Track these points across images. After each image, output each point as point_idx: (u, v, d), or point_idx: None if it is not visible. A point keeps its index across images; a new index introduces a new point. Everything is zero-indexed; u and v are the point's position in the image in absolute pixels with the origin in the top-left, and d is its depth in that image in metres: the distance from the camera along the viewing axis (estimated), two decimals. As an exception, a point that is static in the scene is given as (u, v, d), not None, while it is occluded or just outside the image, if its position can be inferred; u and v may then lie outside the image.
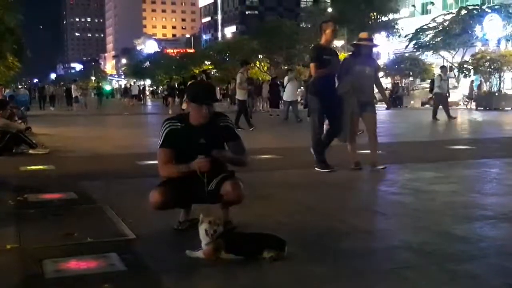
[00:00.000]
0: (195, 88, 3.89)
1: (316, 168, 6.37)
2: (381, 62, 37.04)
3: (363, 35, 6.96)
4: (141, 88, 46.19)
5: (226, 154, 3.65)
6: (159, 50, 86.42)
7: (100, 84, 40.93)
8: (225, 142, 3.68)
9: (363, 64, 6.55)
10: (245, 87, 14.11)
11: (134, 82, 46.76)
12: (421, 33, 35.41)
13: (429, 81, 23.61)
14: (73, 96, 29.68)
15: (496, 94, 25.69)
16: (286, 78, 17.88)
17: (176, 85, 28.01)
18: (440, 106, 16.53)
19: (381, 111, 13.55)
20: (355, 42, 7.03)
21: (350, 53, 6.83)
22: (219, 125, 3.65)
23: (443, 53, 35.24)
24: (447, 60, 34.94)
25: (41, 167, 7.05)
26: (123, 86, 58.36)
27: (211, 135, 3.60)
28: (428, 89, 21.65)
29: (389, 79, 36.23)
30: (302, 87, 25.30)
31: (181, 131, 3.61)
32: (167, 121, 3.68)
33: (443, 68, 18.27)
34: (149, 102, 21.38)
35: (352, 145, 6.60)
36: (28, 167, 7.02)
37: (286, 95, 17.21)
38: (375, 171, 6.37)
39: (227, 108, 26.11)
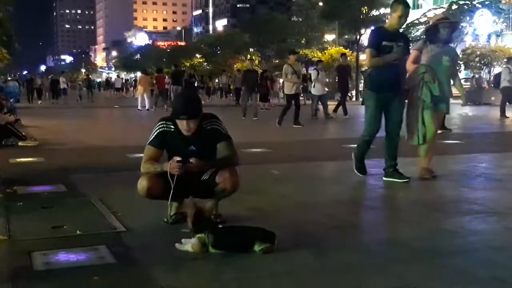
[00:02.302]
0: (174, 102, 3.72)
1: (355, 171, 5.66)
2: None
3: (438, 16, 5.97)
4: (124, 81, 47.00)
5: (210, 163, 3.58)
6: (149, 43, 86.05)
7: (90, 76, 40.70)
8: (216, 144, 3.62)
9: (440, 51, 5.54)
10: (293, 80, 12.65)
11: (118, 76, 46.89)
12: (412, 28, 35.49)
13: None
14: (61, 88, 29.40)
15: (487, 88, 25.88)
16: (313, 71, 16.09)
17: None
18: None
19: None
20: (431, 22, 5.87)
21: (423, 37, 5.71)
22: (206, 129, 3.59)
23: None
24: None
25: (30, 159, 7.01)
26: (106, 79, 58.54)
27: (200, 141, 3.57)
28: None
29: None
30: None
31: (172, 135, 3.59)
32: (162, 121, 3.66)
33: (510, 60, 16.35)
34: (137, 95, 21.16)
35: (424, 148, 5.57)
36: (18, 159, 6.97)
37: (315, 89, 15.35)
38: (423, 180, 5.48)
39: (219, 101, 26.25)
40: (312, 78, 15.65)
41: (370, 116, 5.40)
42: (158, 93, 21.79)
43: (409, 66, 5.51)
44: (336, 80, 18.10)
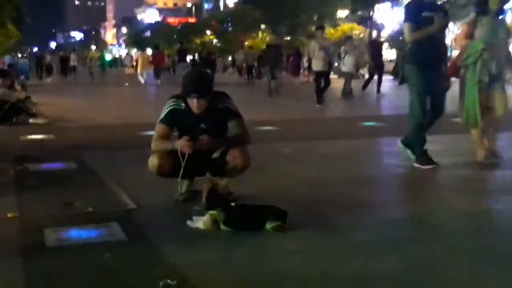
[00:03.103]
0: (185, 80, 3.63)
1: (415, 164, 4.97)
2: (385, 33, 36.66)
3: None
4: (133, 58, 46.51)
5: (221, 141, 3.56)
6: (160, 20, 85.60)
7: (103, 53, 40.77)
8: (227, 123, 3.58)
9: (495, 25, 5.01)
10: (320, 57, 12.12)
11: (127, 53, 46.54)
12: (426, 3, 34.91)
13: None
14: (72, 65, 29.38)
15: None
16: (342, 48, 15.19)
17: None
18: None
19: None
20: None
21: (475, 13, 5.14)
22: (217, 107, 3.55)
23: (450, 23, 34.83)
24: (452, 32, 34.55)
25: (41, 136, 7.03)
26: (117, 56, 58.06)
27: (211, 120, 3.54)
28: None
29: (394, 51, 35.88)
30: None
31: (183, 113, 3.56)
32: (173, 98, 3.63)
33: None
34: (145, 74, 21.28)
35: (478, 131, 5.10)
36: (28, 137, 6.99)
37: (346, 67, 14.56)
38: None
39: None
40: (342, 55, 14.84)
41: (418, 94, 4.90)
42: (154, 70, 22.08)
43: (461, 41, 5.10)
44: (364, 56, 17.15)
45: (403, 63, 5.19)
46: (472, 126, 5.08)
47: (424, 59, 4.87)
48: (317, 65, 12.33)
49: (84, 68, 36.96)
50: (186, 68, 21.84)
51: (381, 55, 15.63)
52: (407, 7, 5.17)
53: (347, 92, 14.21)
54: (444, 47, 5.11)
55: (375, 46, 15.70)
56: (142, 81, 20.86)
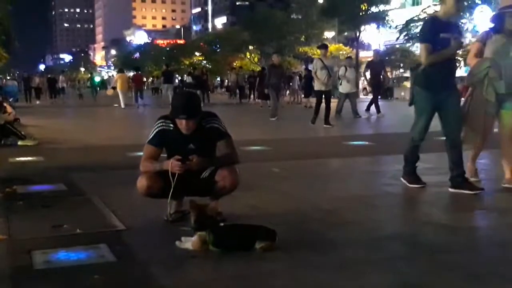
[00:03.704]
0: (173, 101, 3.65)
1: (403, 180, 4.99)
2: (371, 53, 37.09)
3: (504, 4, 5.11)
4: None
5: (210, 161, 3.58)
6: (149, 41, 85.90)
7: (92, 75, 40.84)
8: (215, 142, 3.60)
9: (507, 42, 4.79)
10: (322, 76, 11.73)
11: (113, 75, 46.79)
12: (411, 24, 35.42)
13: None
14: (60, 87, 29.30)
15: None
16: (341, 68, 14.87)
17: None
18: None
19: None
20: (497, 11, 5.13)
21: (489, 28, 5.04)
22: (205, 127, 3.58)
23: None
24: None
25: (30, 158, 7.00)
26: (105, 78, 58.28)
27: (199, 140, 3.56)
28: None
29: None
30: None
31: (171, 133, 3.58)
32: (161, 119, 3.65)
33: None
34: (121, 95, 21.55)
35: (476, 152, 5.13)
36: (17, 159, 6.97)
37: (343, 87, 14.55)
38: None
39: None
40: (340, 75, 14.57)
41: (423, 118, 4.76)
42: (134, 91, 22.56)
43: (471, 60, 4.98)
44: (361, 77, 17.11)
45: (413, 84, 5.00)
46: (467, 143, 4.99)
47: (436, 83, 4.67)
48: (319, 85, 11.97)
49: (73, 90, 36.92)
50: (172, 90, 22.26)
51: (379, 76, 15.17)
52: (425, 25, 4.93)
53: (352, 111, 14.19)
54: (455, 67, 4.97)
55: (373, 67, 15.42)
56: (122, 104, 20.93)
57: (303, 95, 22.43)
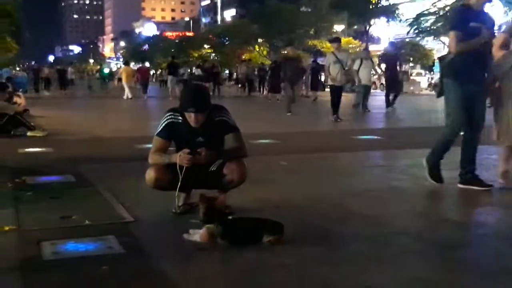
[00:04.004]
0: (182, 95, 3.64)
1: (426, 174, 4.79)
2: (381, 47, 36.88)
3: None
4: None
5: (218, 154, 3.57)
6: (158, 33, 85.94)
7: (102, 66, 40.97)
8: (224, 136, 3.60)
9: None
10: (336, 70, 11.38)
11: (121, 66, 46.96)
12: (421, 18, 35.16)
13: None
14: (69, 78, 29.38)
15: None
16: (357, 61, 14.37)
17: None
18: None
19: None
20: None
21: None
22: (214, 120, 3.57)
23: (443, 38, 35.04)
24: (447, 46, 34.80)
25: (39, 149, 7.03)
26: (114, 70, 58.41)
27: (208, 133, 3.56)
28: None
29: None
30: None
31: (180, 126, 3.58)
32: (170, 112, 3.65)
33: None
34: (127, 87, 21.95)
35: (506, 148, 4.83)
36: (26, 149, 7.00)
37: (361, 78, 14.12)
38: None
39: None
40: (355, 67, 14.14)
41: (454, 111, 4.56)
42: (140, 84, 23.24)
43: (497, 51, 4.79)
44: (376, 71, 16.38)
45: (442, 75, 4.83)
46: (502, 142, 4.80)
47: (465, 74, 4.53)
48: (331, 80, 11.63)
49: (82, 81, 37.01)
50: (175, 82, 22.65)
51: (394, 69, 14.80)
52: (455, 13, 4.84)
53: (355, 105, 13.99)
54: (488, 60, 4.70)
55: (387, 59, 15.01)
56: (130, 95, 21.39)
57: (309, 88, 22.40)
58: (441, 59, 4.93)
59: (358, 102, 14.18)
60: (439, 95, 4.81)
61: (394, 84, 15.00)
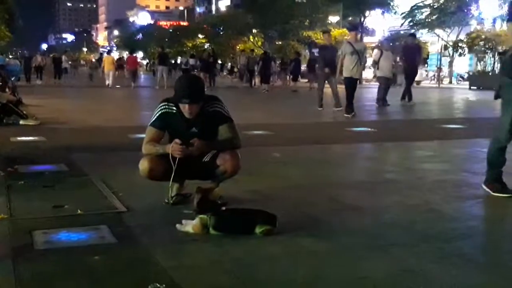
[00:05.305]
0: (176, 85, 3.59)
1: (485, 188, 4.18)
2: (376, 39, 36.85)
3: None
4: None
5: (212, 145, 3.56)
6: (152, 23, 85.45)
7: (102, 56, 40.69)
8: (218, 126, 3.58)
9: None
10: (352, 61, 10.54)
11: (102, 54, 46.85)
12: (416, 11, 35.19)
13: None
14: (63, 67, 29.14)
15: (490, 73, 25.71)
16: (375, 51, 13.87)
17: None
18: None
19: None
20: None
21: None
22: (208, 111, 3.56)
23: (438, 31, 35.11)
24: (442, 39, 34.84)
25: (32, 138, 7.00)
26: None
27: (202, 123, 3.55)
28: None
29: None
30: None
31: (174, 117, 3.57)
32: (164, 102, 3.63)
33: None
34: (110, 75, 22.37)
35: None
36: (19, 138, 6.97)
37: (381, 71, 13.47)
38: None
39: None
40: (375, 59, 13.73)
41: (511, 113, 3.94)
42: (128, 72, 23.98)
43: (510, 40, 4.44)
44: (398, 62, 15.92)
45: (500, 74, 4.27)
46: None
47: None
48: (347, 72, 10.71)
49: (75, 70, 36.69)
50: (166, 71, 23.18)
51: (414, 61, 14.28)
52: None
53: (380, 99, 13.44)
54: None
55: (408, 51, 14.45)
56: (109, 82, 22.43)
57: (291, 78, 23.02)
58: (500, 54, 4.50)
59: (382, 97, 13.37)
60: (496, 96, 4.19)
61: (414, 77, 14.62)
